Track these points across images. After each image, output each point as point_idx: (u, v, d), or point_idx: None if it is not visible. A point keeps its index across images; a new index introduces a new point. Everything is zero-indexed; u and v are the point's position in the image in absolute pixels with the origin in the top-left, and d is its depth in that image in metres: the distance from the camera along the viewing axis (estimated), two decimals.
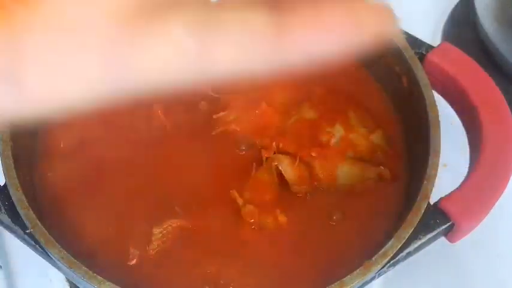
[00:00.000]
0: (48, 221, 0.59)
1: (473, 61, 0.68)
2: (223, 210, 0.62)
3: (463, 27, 0.95)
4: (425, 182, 0.59)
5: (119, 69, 0.24)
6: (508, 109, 0.65)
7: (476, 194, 0.60)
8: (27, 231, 0.56)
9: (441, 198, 0.60)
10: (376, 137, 0.67)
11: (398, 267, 0.59)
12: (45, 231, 0.54)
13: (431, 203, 0.59)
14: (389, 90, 0.72)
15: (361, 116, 0.68)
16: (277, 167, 0.63)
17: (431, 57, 0.68)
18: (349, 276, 0.54)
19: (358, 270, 0.54)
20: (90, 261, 0.55)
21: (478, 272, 0.78)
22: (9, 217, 0.56)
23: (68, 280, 0.74)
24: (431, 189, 0.59)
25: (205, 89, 0.69)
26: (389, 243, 0.56)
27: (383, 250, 0.56)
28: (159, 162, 0.65)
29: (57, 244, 0.54)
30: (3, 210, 0.57)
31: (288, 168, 0.63)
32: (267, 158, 0.64)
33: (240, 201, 0.62)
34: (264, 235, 0.61)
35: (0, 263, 0.75)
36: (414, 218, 0.57)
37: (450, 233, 0.60)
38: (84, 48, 0.24)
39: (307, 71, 0.25)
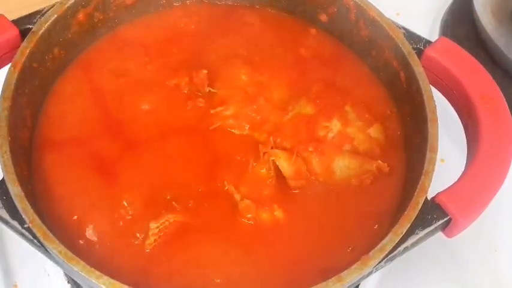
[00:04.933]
0: (45, 215, 0.59)
1: (471, 56, 0.68)
2: (221, 205, 0.62)
3: (461, 22, 0.95)
4: (422, 176, 0.59)
5: None
6: (506, 104, 0.65)
7: (473, 189, 0.60)
8: (25, 225, 0.56)
9: (438, 193, 0.60)
10: (373, 131, 0.67)
11: (395, 261, 0.59)
12: (43, 226, 0.55)
13: (429, 197, 0.59)
14: (387, 85, 0.72)
15: (359, 111, 0.67)
16: (274, 162, 0.63)
17: (429, 52, 0.68)
18: (346, 271, 0.54)
19: (355, 265, 0.54)
20: (87, 254, 0.55)
21: (475, 267, 0.78)
22: (7, 212, 0.57)
23: (66, 275, 0.74)
24: (429, 184, 0.59)
25: (202, 83, 0.69)
26: (387, 238, 0.56)
27: (380, 245, 0.56)
28: (157, 157, 0.65)
29: (55, 238, 0.54)
30: (1, 205, 0.57)
31: (285, 163, 0.63)
32: (264, 153, 0.64)
33: (237, 196, 0.62)
34: (261, 230, 0.61)
35: None
36: (412, 212, 0.57)
37: (447, 228, 0.60)
38: None
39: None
